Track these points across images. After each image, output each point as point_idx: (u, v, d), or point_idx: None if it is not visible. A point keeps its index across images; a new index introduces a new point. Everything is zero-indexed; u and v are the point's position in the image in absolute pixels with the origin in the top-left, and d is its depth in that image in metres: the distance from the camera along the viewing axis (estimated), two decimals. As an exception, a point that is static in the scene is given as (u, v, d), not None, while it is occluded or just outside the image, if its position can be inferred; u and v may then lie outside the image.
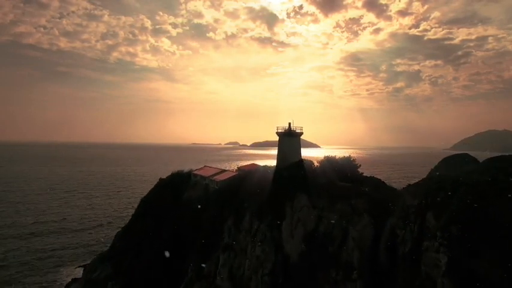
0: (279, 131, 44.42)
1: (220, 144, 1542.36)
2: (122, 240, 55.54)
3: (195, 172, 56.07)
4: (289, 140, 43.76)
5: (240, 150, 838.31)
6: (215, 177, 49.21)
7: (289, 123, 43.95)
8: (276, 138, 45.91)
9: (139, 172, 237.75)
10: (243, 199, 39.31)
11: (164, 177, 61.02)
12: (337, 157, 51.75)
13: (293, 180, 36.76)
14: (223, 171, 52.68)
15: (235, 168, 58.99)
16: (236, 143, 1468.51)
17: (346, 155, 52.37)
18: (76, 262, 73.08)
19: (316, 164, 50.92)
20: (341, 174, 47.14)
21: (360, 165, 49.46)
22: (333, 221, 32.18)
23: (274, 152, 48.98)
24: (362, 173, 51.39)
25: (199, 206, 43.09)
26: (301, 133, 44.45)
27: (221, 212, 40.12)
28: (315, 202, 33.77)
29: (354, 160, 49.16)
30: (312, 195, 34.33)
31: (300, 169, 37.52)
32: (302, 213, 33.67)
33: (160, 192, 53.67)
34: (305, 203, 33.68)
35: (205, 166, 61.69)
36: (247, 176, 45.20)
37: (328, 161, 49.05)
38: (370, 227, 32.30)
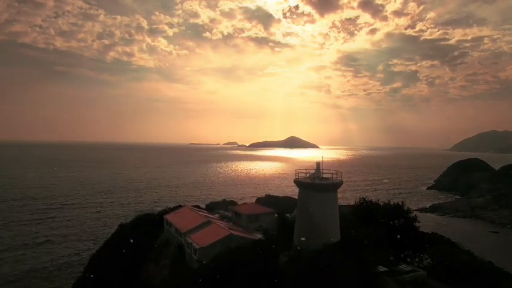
0: (300, 178, 25.77)
1: (218, 144, 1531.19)
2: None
3: (169, 218, 38.24)
4: (320, 197, 24.30)
5: (239, 151, 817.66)
6: (194, 235, 31.40)
7: (318, 164, 25.45)
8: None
9: (131, 177, 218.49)
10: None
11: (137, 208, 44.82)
12: (379, 201, 34.74)
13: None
14: (208, 222, 34.38)
15: (227, 209, 41.82)
16: (235, 143, 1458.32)
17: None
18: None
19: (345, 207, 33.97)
20: (390, 231, 30.14)
21: (417, 219, 32.34)
22: None
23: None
24: (416, 224, 34.17)
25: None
26: (341, 183, 25.77)
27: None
28: None
29: (409, 211, 32.06)
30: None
31: (346, 263, 19.34)
32: None
33: (115, 253, 36.26)
34: None
35: (185, 206, 43.89)
36: (245, 243, 27.59)
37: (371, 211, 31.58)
38: None
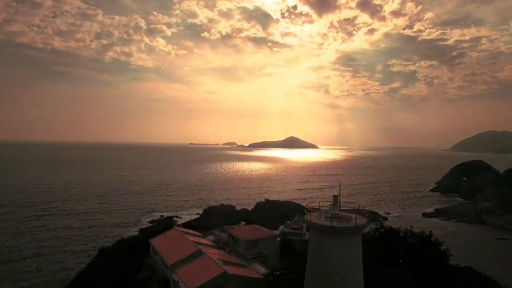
0: (312, 217, 19.33)
1: (218, 144, 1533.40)
2: None
3: (155, 243, 33.07)
4: (340, 243, 18.48)
5: (238, 152, 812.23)
6: (182, 271, 26.12)
7: (335, 198, 19.96)
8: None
9: (130, 179, 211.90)
10: None
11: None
12: (400, 229, 29.59)
13: None
14: (198, 253, 29.39)
15: (223, 229, 36.95)
16: (234, 143, 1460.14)
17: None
18: None
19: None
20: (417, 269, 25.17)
21: (449, 252, 27.21)
22: None
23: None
24: (445, 256, 28.97)
25: None
26: (366, 224, 19.42)
27: None
28: None
29: (439, 242, 26.79)
30: None
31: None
32: None
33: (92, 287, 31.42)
34: None
35: (174, 229, 38.78)
36: (242, 284, 22.56)
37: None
38: None
